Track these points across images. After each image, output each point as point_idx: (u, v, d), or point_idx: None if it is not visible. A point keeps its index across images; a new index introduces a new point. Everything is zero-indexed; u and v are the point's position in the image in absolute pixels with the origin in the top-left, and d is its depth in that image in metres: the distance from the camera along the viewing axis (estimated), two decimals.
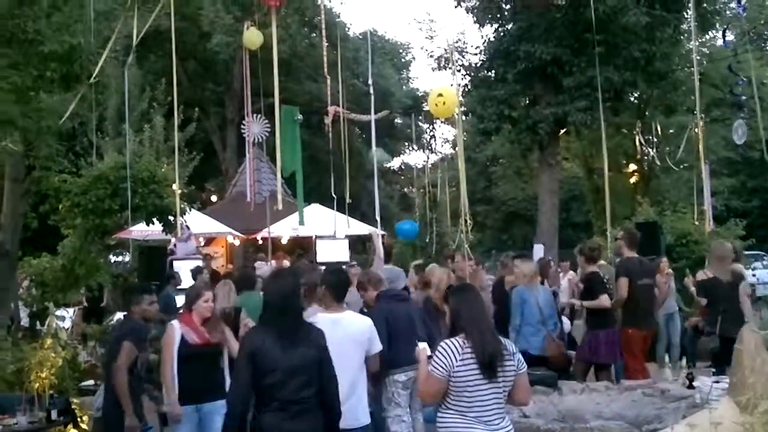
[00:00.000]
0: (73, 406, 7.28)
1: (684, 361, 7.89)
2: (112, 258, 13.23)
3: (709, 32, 22.07)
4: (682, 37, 18.86)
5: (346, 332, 5.30)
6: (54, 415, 6.74)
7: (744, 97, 13.23)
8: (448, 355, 4.14)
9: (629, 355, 8.51)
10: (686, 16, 17.66)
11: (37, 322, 11.60)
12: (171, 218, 11.71)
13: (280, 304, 4.46)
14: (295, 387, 4.30)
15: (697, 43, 19.99)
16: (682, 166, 21.68)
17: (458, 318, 4.34)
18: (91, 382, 8.50)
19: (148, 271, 11.88)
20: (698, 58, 15.58)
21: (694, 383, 6.90)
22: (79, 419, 7.32)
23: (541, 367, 7.79)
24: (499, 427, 4.19)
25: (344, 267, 8.86)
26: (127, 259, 13.59)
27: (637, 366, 8.49)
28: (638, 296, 8.47)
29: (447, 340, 4.25)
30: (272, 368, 4.28)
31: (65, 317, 12.60)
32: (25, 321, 12.07)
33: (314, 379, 4.38)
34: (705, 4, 17.59)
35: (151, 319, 6.49)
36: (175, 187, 11.35)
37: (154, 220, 11.84)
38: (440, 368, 4.14)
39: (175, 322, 6.06)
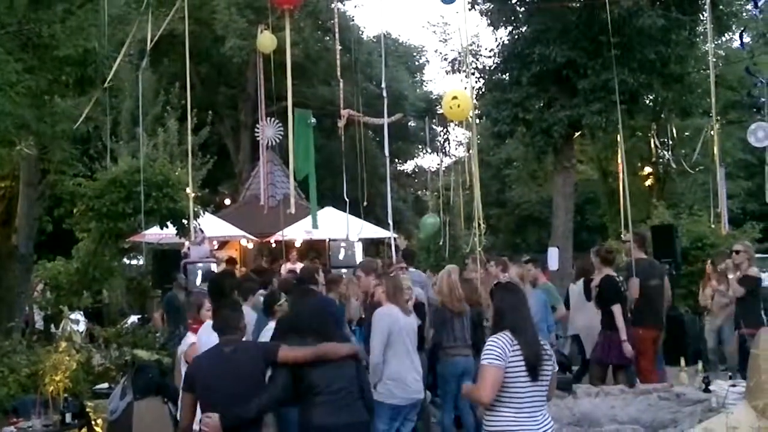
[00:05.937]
0: (87, 410, 7.30)
1: (700, 365, 7.82)
2: (126, 261, 13.29)
3: (725, 34, 21.84)
4: (697, 39, 18.70)
5: None
6: (68, 418, 6.79)
7: (763, 99, 13.13)
8: (503, 345, 4.19)
9: (640, 356, 8.43)
10: (702, 18, 17.51)
11: (52, 326, 11.66)
12: (185, 222, 11.74)
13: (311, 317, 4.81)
14: (340, 378, 4.54)
15: (713, 46, 19.84)
16: (697, 169, 21.49)
17: (503, 317, 4.38)
18: (105, 385, 8.50)
19: (161, 274, 11.94)
20: (714, 60, 15.44)
21: (710, 387, 6.83)
22: (93, 422, 7.34)
23: None
24: (542, 423, 4.24)
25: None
26: (141, 262, 13.65)
27: (650, 366, 8.49)
28: (648, 296, 8.60)
29: (495, 335, 4.28)
30: (317, 365, 4.49)
31: (79, 320, 12.68)
32: (39, 324, 12.15)
33: (352, 369, 4.66)
34: (721, 7, 17.43)
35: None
36: (188, 190, 11.36)
37: (168, 223, 11.88)
38: (498, 358, 4.15)
39: (190, 334, 6.02)
